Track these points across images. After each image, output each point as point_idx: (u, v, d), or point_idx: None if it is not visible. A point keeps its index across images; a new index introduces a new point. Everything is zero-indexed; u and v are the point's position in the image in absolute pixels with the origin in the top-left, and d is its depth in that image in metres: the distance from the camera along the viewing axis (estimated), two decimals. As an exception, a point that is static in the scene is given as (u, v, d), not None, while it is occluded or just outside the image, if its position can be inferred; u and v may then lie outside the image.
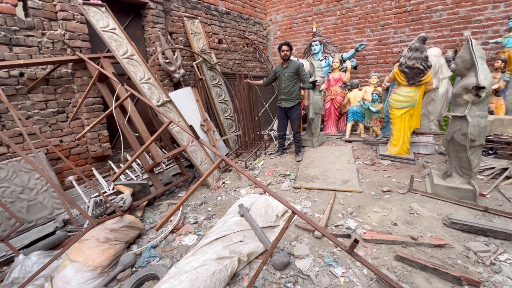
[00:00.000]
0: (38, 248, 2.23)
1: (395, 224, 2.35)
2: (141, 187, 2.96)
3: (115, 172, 3.35)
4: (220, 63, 5.36)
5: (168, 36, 4.35)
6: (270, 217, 2.39)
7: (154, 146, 3.26)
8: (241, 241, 2.03)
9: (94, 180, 3.24)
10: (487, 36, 4.63)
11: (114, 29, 3.25)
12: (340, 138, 5.05)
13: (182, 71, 4.34)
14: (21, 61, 2.64)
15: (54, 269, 2.00)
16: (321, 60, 5.63)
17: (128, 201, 2.65)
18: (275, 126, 5.53)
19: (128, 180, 3.25)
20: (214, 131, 4.38)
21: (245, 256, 1.94)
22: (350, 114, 5.03)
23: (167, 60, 4.16)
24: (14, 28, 2.68)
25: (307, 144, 4.59)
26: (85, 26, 3.16)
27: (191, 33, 4.65)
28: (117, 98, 2.85)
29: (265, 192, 2.96)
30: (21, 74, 2.77)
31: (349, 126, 5.01)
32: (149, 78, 3.40)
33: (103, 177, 3.25)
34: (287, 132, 5.08)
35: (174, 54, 4.29)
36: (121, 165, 3.49)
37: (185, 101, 4.21)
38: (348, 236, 2.21)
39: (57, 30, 2.98)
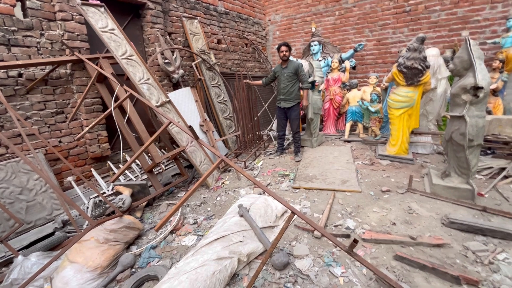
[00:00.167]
0: (37, 249, 2.22)
1: (394, 224, 2.36)
2: (140, 188, 2.96)
3: (114, 173, 3.35)
4: (219, 63, 5.36)
5: (167, 36, 4.35)
6: (269, 217, 2.39)
7: (153, 146, 3.26)
8: (240, 241, 2.03)
9: (93, 181, 3.23)
10: (485, 36, 4.65)
11: (113, 29, 3.25)
12: (339, 138, 5.06)
13: (181, 71, 4.34)
14: (20, 62, 2.63)
15: (53, 270, 2.00)
16: (320, 60, 5.64)
17: (128, 202, 2.64)
18: (274, 126, 5.54)
19: (127, 180, 3.25)
20: (213, 131, 4.38)
21: (245, 257, 1.94)
22: (349, 114, 5.04)
23: (166, 61, 4.16)
24: (13, 28, 2.67)
25: (306, 144, 4.59)
26: (84, 26, 3.15)
27: (190, 33, 4.65)
28: (116, 99, 2.84)
29: (264, 192, 2.97)
30: (20, 75, 2.77)
31: (348, 126, 5.03)
32: (148, 79, 3.40)
33: (102, 178, 3.24)
34: (286, 132, 5.09)
35: (173, 55, 4.29)
36: (120, 165, 3.49)
37: (184, 101, 4.20)
38: (348, 236, 2.22)
39: (55, 31, 2.98)
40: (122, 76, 3.40)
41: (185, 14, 4.68)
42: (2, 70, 2.62)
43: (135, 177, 3.37)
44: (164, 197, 3.33)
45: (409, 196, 2.83)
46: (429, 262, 1.84)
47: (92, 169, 3.26)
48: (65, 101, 3.11)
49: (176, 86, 4.46)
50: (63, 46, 3.03)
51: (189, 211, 2.92)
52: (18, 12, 2.75)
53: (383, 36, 5.63)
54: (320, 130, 5.32)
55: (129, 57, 3.28)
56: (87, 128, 2.40)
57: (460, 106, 2.60)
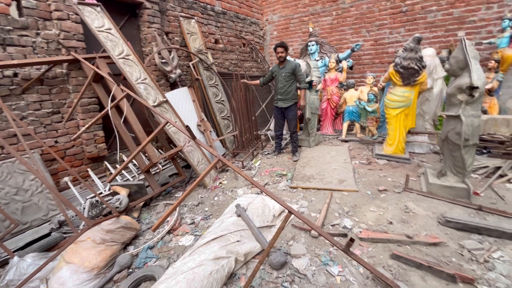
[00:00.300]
0: (33, 250, 2.21)
1: (391, 223, 2.37)
2: (137, 188, 2.95)
3: (111, 173, 3.33)
4: (216, 63, 5.35)
5: (164, 36, 4.34)
6: (267, 217, 2.39)
7: (150, 146, 3.25)
8: (238, 241, 2.03)
9: (90, 181, 3.22)
10: (481, 37, 4.69)
11: (109, 29, 3.24)
12: (337, 137, 5.08)
13: (178, 71, 4.33)
14: (15, 61, 2.61)
15: (49, 271, 1.99)
16: (318, 60, 5.65)
17: (125, 202, 2.63)
18: (272, 126, 5.54)
19: (124, 180, 3.24)
20: (211, 131, 4.37)
21: (242, 256, 1.94)
22: (346, 114, 5.06)
23: (163, 60, 4.15)
24: (8, 27, 2.65)
25: (304, 144, 4.60)
26: (80, 26, 3.14)
27: (188, 33, 4.64)
28: (113, 99, 2.83)
29: (262, 192, 2.97)
30: (15, 74, 2.75)
31: (345, 126, 5.04)
32: (145, 78, 3.39)
33: (99, 178, 3.23)
34: (284, 132, 5.09)
35: (170, 54, 4.28)
36: (117, 166, 3.48)
37: (182, 101, 4.20)
38: (345, 235, 2.23)
39: (51, 30, 2.96)
40: (119, 76, 3.38)
41: (182, 14, 4.67)
42: (-3, 70, 2.61)
43: (132, 177, 3.36)
44: (162, 197, 3.33)
45: (405, 195, 2.84)
46: (425, 261, 1.86)
47: (88, 170, 3.25)
48: (61, 101, 3.09)
49: (173, 86, 4.45)
50: (59, 46, 3.01)
51: (186, 211, 2.92)
52: (13, 11, 2.72)
53: (380, 36, 5.65)
54: (318, 129, 5.33)
55: (125, 57, 3.27)
56: (84, 128, 2.39)
57: (455, 106, 2.62)
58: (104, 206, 2.57)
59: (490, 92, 4.24)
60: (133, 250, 2.29)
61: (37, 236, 2.47)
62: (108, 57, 3.23)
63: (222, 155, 4.44)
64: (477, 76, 2.43)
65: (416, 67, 3.38)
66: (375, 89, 4.54)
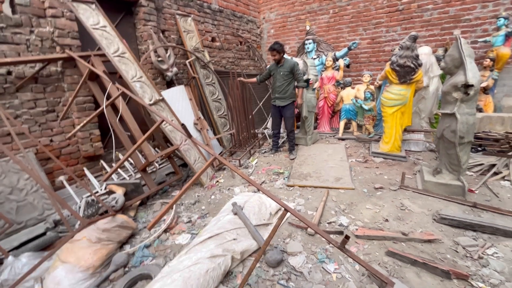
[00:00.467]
0: (28, 249, 2.19)
1: (387, 220, 2.39)
2: (134, 187, 2.93)
3: (107, 172, 3.31)
4: (213, 62, 5.33)
5: (161, 34, 4.31)
6: (263, 215, 2.40)
7: (146, 145, 3.24)
8: (234, 239, 2.03)
9: (86, 180, 3.19)
10: (476, 35, 4.71)
11: (104, 26, 3.21)
12: (334, 136, 5.09)
13: (175, 69, 4.31)
14: (9, 59, 2.58)
15: (44, 271, 1.97)
16: (315, 58, 5.65)
17: (121, 201, 2.62)
18: (269, 125, 5.54)
19: (120, 179, 3.22)
20: (207, 129, 4.36)
21: (239, 254, 1.94)
22: (343, 112, 5.07)
23: (159, 58, 4.12)
24: (1, 25, 2.62)
25: (301, 142, 4.61)
26: (74, 23, 3.10)
27: (184, 31, 4.61)
28: (109, 97, 2.81)
29: (258, 190, 2.97)
30: (9, 73, 2.71)
31: (342, 124, 5.06)
32: (141, 77, 3.36)
33: (95, 177, 3.20)
34: (281, 130, 5.09)
35: (166, 52, 4.25)
36: (113, 164, 3.45)
37: (178, 99, 4.18)
38: (341, 233, 2.24)
39: (46, 28, 2.93)
40: (115, 74, 3.35)
41: (179, 12, 4.64)
42: (-10, 68, 2.57)
43: (128, 176, 3.34)
44: (158, 196, 3.31)
45: (401, 193, 2.86)
46: (420, 258, 1.87)
47: (84, 168, 3.22)
48: (56, 99, 3.06)
49: (169, 84, 4.42)
50: (54, 44, 2.97)
51: (183, 210, 2.91)
52: (6, 8, 2.69)
53: (376, 35, 5.66)
54: (315, 128, 5.34)
55: (121, 55, 3.24)
56: (78, 127, 2.37)
57: (451, 104, 2.64)
58: (100, 205, 2.55)
59: (485, 90, 4.27)
60: (130, 249, 2.28)
61: (32, 235, 2.44)
62: (104, 55, 3.20)
63: (219, 154, 4.43)
64: (472, 74, 2.45)
65: (412, 65, 3.39)
66: (372, 87, 4.55)
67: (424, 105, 4.17)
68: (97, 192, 2.87)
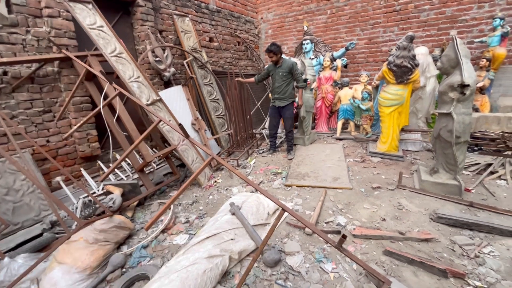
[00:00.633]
0: (24, 250, 2.17)
1: (384, 219, 2.40)
2: (131, 187, 2.93)
3: (104, 172, 3.30)
4: (211, 62, 5.33)
5: (158, 34, 4.30)
6: (261, 215, 2.40)
7: (144, 145, 3.23)
8: (232, 239, 2.03)
9: (83, 181, 3.18)
10: (473, 35, 4.75)
11: (101, 26, 3.20)
12: (331, 136, 5.10)
13: (172, 69, 4.30)
14: (5, 59, 2.56)
15: (41, 272, 1.96)
16: (312, 58, 5.66)
17: (118, 201, 2.61)
18: (267, 125, 5.54)
19: (118, 180, 3.21)
20: (205, 130, 4.35)
21: (236, 254, 1.94)
22: (340, 112, 5.08)
23: (157, 59, 4.12)
24: (-3, 25, 2.60)
25: (299, 142, 4.62)
26: (71, 23, 3.09)
27: (182, 31, 4.61)
28: (106, 97, 2.80)
29: (256, 190, 2.97)
30: (5, 73, 2.69)
31: (339, 124, 5.07)
32: (139, 77, 3.35)
33: (93, 178, 3.19)
34: (279, 130, 5.10)
35: (164, 53, 4.24)
36: (111, 165, 3.44)
37: (176, 100, 4.17)
38: (338, 233, 2.24)
39: (42, 28, 2.91)
40: (112, 74, 3.34)
41: (176, 12, 4.64)
42: (-14, 68, 2.55)
43: (126, 176, 3.33)
44: (156, 196, 3.31)
45: (399, 192, 2.87)
46: (417, 257, 1.88)
47: (81, 169, 3.21)
48: (52, 99, 3.05)
49: (167, 84, 4.41)
50: (50, 44, 2.96)
51: (181, 210, 2.91)
52: (2, 8, 2.67)
53: (374, 35, 5.69)
54: (313, 128, 5.35)
55: (118, 55, 3.23)
56: (75, 127, 2.36)
57: (447, 104, 2.65)
58: (97, 205, 2.54)
59: (481, 90, 4.30)
60: (127, 249, 2.27)
61: (29, 236, 2.43)
62: (101, 55, 3.18)
63: (217, 154, 4.42)
64: (468, 74, 2.46)
65: (409, 66, 3.41)
66: (369, 87, 4.56)
67: (421, 105, 4.20)
68: (94, 192, 2.86)
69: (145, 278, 1.92)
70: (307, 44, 5.73)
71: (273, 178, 3.48)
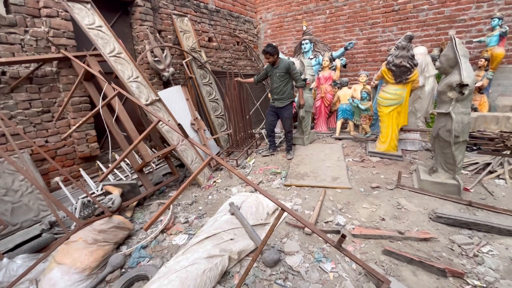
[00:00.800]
0: (23, 251, 2.17)
1: (383, 219, 2.40)
2: (130, 187, 2.92)
3: (103, 173, 3.29)
4: (210, 62, 5.32)
5: (157, 34, 4.29)
6: (260, 215, 2.40)
7: (143, 145, 3.22)
8: (231, 239, 2.03)
9: (82, 181, 3.17)
10: (471, 35, 4.76)
11: (100, 26, 3.19)
12: (330, 135, 5.10)
13: (171, 69, 4.30)
14: (3, 59, 2.55)
15: (40, 272, 1.96)
16: (311, 58, 5.66)
17: (117, 202, 2.61)
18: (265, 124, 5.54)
19: (117, 180, 3.20)
20: (204, 130, 4.35)
21: (236, 254, 1.94)
22: (340, 112, 5.08)
23: (156, 59, 4.11)
24: (-5, 25, 2.59)
25: (298, 142, 4.62)
26: (70, 23, 3.08)
27: (181, 31, 4.60)
28: (104, 97, 2.79)
29: (256, 190, 2.97)
30: (3, 73, 2.69)
31: (339, 124, 5.07)
32: (138, 77, 3.35)
33: (92, 178, 3.19)
34: (278, 130, 5.10)
35: (163, 52, 4.24)
36: (110, 165, 3.43)
37: (175, 100, 4.16)
38: (338, 232, 2.24)
39: (40, 27, 2.90)
40: (111, 74, 3.34)
41: (175, 12, 4.63)
42: (-16, 68, 2.55)
43: (125, 176, 3.33)
44: (155, 196, 3.30)
45: (398, 192, 2.88)
46: (416, 256, 1.88)
47: (80, 169, 3.20)
48: (51, 99, 3.04)
49: (166, 84, 4.41)
50: (49, 44, 2.95)
51: (180, 210, 2.91)
52: (0, 8, 2.66)
53: (373, 35, 5.69)
54: (312, 128, 5.35)
55: (117, 55, 3.23)
56: (74, 127, 2.35)
57: (446, 103, 2.66)
58: (96, 206, 2.54)
59: (480, 90, 4.31)
60: (126, 250, 2.27)
61: (28, 237, 2.42)
62: (99, 55, 3.18)
63: (216, 154, 4.42)
64: (467, 74, 2.47)
65: (408, 65, 3.41)
66: (368, 87, 4.57)
67: (420, 105, 4.20)
68: (93, 193, 2.86)
69: (145, 278, 1.92)
70: (306, 44, 5.73)
71: (273, 178, 3.48)
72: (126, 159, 3.34)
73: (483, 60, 4.28)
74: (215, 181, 3.50)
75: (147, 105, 3.26)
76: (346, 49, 5.42)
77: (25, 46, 2.80)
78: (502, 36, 4.29)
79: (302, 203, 2.78)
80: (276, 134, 4.89)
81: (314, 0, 6.22)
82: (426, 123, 4.40)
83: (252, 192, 2.97)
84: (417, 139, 4.18)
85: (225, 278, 1.86)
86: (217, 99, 4.95)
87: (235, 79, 4.29)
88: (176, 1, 4.67)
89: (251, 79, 4.29)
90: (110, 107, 3.15)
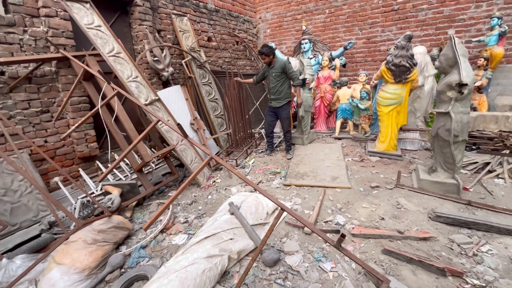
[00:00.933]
0: (22, 251, 2.17)
1: (383, 218, 2.40)
2: (130, 187, 2.92)
3: (102, 173, 3.29)
4: (209, 61, 5.32)
5: (156, 33, 4.29)
6: (260, 215, 2.40)
7: (142, 145, 3.22)
8: (231, 239, 2.03)
9: (81, 181, 3.17)
10: (470, 35, 4.76)
11: (99, 26, 3.18)
12: (330, 135, 5.11)
13: (171, 69, 4.29)
14: (2, 59, 2.55)
15: (39, 273, 1.96)
16: (311, 58, 5.66)
17: (117, 202, 2.60)
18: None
19: (116, 180, 3.20)
20: (204, 129, 4.35)
21: (235, 254, 1.94)
22: (339, 111, 5.09)
23: (155, 58, 4.10)
24: (-6, 24, 2.58)
25: (298, 142, 4.62)
26: (69, 23, 3.08)
27: (180, 31, 4.60)
28: (104, 97, 2.79)
29: (255, 190, 2.97)
30: (2, 73, 2.68)
31: (338, 123, 5.08)
32: (137, 77, 3.34)
33: (91, 178, 3.18)
34: (278, 130, 5.10)
35: (162, 52, 4.23)
36: (109, 165, 3.43)
37: (174, 99, 4.16)
38: (337, 232, 2.24)
39: (39, 27, 2.90)
40: (110, 74, 3.33)
41: (175, 11, 4.63)
42: (-17, 68, 2.54)
43: (124, 176, 3.32)
44: (155, 196, 3.30)
45: (397, 191, 2.88)
46: (415, 255, 1.88)
47: (80, 169, 3.20)
48: (50, 99, 3.03)
49: (166, 84, 4.40)
50: (48, 43, 2.94)
51: (180, 210, 2.90)
52: (-1, 7, 2.66)
53: (372, 34, 5.69)
54: (311, 127, 5.35)
55: (116, 55, 3.22)
56: (73, 127, 2.35)
57: (445, 103, 2.66)
58: (95, 206, 2.54)
59: (479, 89, 4.32)
60: (126, 249, 2.27)
61: (27, 237, 2.42)
62: (98, 55, 3.17)
63: (216, 154, 4.42)
64: (466, 73, 2.47)
65: (407, 65, 3.41)
66: (368, 87, 4.57)
67: (420, 104, 4.21)
68: (92, 193, 2.85)
69: (144, 278, 1.92)
70: (306, 43, 5.73)
71: (272, 177, 3.48)
72: (125, 159, 3.34)
73: (482, 59, 4.29)
74: (214, 181, 3.50)
75: (146, 105, 3.26)
76: (345, 48, 5.42)
77: (24, 46, 2.79)
78: (501, 36, 4.29)
79: (301, 202, 2.78)
80: (276, 134, 4.90)
81: (313, 0, 6.21)
82: (425, 122, 4.41)
83: (252, 192, 2.97)
84: (416, 138, 4.18)
85: (225, 278, 1.86)
86: (216, 98, 4.95)
87: (235, 79, 4.29)
88: (175, 0, 4.67)
89: (251, 80, 4.29)
90: (109, 107, 3.15)
